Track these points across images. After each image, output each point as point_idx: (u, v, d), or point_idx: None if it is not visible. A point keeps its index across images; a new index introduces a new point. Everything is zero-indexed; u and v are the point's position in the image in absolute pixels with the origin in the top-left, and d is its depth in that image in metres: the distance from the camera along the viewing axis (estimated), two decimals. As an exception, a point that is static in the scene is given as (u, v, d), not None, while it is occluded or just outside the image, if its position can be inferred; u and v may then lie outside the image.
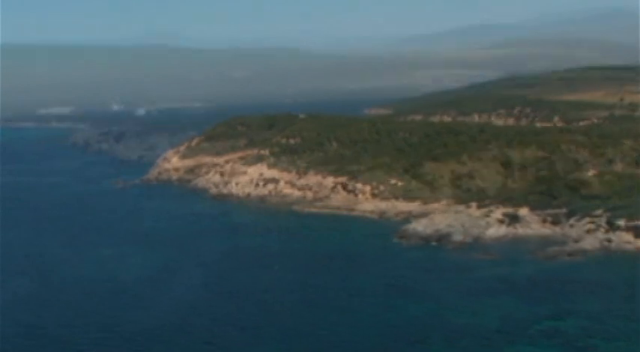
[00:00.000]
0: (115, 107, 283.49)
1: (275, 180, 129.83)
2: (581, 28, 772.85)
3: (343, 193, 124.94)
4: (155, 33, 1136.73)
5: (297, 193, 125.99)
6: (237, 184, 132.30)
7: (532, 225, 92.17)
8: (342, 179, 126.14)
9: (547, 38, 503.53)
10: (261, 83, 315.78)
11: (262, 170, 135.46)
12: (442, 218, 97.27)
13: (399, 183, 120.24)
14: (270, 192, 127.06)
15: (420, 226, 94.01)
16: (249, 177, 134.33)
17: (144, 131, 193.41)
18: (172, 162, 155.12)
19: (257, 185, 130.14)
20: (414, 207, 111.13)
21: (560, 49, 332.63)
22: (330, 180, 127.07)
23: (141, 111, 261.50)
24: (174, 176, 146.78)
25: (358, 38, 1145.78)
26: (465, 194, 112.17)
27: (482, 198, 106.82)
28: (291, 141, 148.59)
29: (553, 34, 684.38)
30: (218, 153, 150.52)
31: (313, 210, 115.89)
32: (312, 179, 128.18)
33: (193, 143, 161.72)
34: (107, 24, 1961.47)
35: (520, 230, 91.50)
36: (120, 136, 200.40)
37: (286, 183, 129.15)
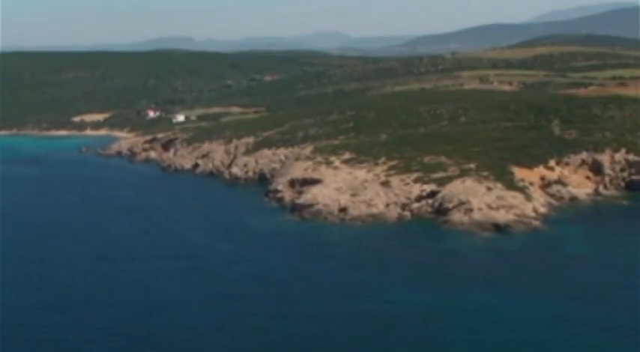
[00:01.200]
0: (151, 114, 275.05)
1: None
2: (600, 26, 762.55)
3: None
4: (164, 38, 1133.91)
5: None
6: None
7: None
8: (431, 186, 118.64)
9: (574, 35, 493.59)
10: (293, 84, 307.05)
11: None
12: None
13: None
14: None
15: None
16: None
17: (193, 138, 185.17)
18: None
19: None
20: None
21: (596, 46, 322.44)
22: (416, 188, 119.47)
23: (180, 117, 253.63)
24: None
25: (370, 39, 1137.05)
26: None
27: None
28: (355, 138, 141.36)
29: (573, 31, 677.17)
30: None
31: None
32: (401, 187, 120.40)
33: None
34: (112, 28, 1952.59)
35: None
36: (168, 144, 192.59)
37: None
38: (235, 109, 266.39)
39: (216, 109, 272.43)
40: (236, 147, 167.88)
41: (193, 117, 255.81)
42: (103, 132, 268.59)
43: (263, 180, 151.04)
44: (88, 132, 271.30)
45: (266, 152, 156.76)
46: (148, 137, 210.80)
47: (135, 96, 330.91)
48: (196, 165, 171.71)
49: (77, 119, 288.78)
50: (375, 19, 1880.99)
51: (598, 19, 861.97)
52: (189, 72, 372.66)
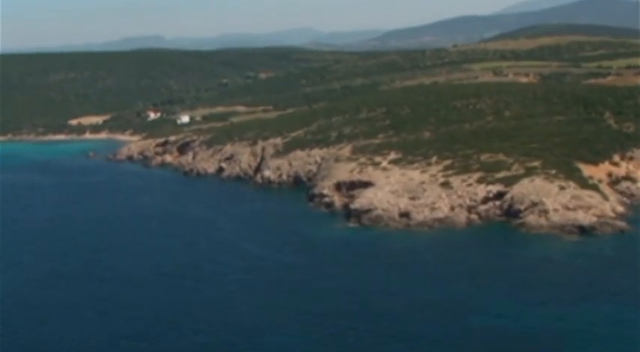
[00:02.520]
0: (152, 115, 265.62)
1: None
2: (572, 15, 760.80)
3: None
4: (133, 37, 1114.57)
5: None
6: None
7: None
8: (497, 187, 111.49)
9: (572, 25, 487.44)
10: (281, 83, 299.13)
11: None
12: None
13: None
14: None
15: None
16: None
17: (212, 140, 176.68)
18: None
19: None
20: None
21: (597, 35, 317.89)
22: (481, 189, 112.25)
23: (184, 118, 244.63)
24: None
25: (341, 34, 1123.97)
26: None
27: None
28: (401, 138, 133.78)
29: (547, 21, 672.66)
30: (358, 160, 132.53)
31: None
32: (463, 188, 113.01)
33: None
34: (80, 28, 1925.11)
35: None
36: (184, 147, 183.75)
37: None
38: (240, 108, 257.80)
39: (219, 109, 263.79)
40: (263, 149, 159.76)
41: (198, 118, 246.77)
42: (103, 135, 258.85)
43: (299, 183, 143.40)
44: (88, 135, 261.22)
45: (299, 153, 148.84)
46: (160, 140, 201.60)
47: (130, 97, 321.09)
48: (221, 169, 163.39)
49: (74, 122, 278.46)
50: (345, 14, 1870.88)
51: (570, 8, 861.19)
52: (182, 71, 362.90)
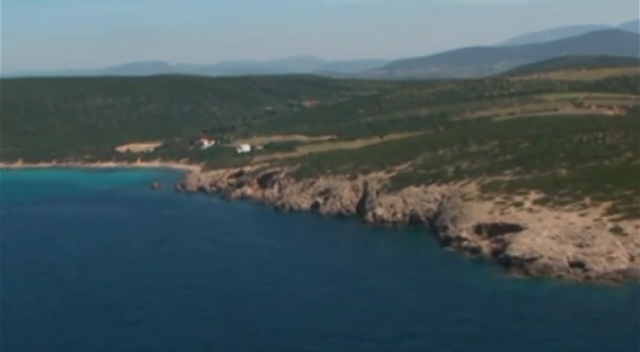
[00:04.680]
0: (206, 143, 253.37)
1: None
2: (580, 48, 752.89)
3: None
4: (137, 62, 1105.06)
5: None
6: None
7: None
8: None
9: (595, 57, 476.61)
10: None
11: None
12: None
13: None
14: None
15: None
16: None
17: (299, 172, 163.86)
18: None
19: None
20: None
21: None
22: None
23: (245, 147, 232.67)
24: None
25: (344, 63, 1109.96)
26: None
27: None
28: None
29: (556, 53, 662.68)
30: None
31: None
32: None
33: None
34: (83, 54, 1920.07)
35: None
36: (266, 179, 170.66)
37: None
38: (300, 137, 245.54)
39: (276, 137, 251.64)
40: (365, 184, 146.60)
41: (259, 147, 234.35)
42: (156, 163, 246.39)
43: (416, 222, 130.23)
44: (139, 163, 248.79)
45: (414, 190, 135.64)
46: (233, 170, 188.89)
47: (174, 123, 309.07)
48: (316, 205, 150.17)
49: (122, 149, 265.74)
50: (345, 44, 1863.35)
51: (578, 41, 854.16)
52: (223, 97, 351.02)
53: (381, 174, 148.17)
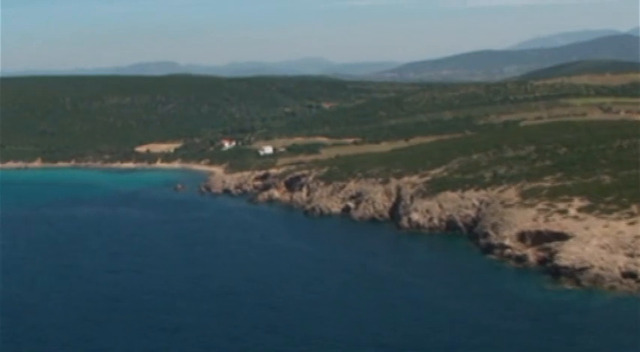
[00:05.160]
0: (226, 144, 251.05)
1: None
2: (591, 53, 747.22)
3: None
4: (145, 62, 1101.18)
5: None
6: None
7: None
8: None
9: (608, 61, 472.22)
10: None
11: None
12: None
13: None
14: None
15: None
16: None
17: (329, 175, 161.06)
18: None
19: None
20: None
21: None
22: None
23: (267, 149, 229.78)
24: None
25: (354, 65, 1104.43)
26: None
27: None
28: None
29: (569, 58, 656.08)
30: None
31: None
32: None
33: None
34: (92, 53, 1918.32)
35: None
36: (294, 181, 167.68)
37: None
38: (323, 139, 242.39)
39: (298, 139, 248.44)
40: (399, 188, 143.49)
41: (282, 149, 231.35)
42: (176, 164, 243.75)
43: (453, 228, 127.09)
44: (159, 164, 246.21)
45: (450, 195, 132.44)
46: (259, 173, 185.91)
47: (193, 123, 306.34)
48: (347, 209, 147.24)
49: (142, 149, 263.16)
50: (356, 46, 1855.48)
51: (588, 45, 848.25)
52: (241, 98, 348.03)
53: (415, 179, 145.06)
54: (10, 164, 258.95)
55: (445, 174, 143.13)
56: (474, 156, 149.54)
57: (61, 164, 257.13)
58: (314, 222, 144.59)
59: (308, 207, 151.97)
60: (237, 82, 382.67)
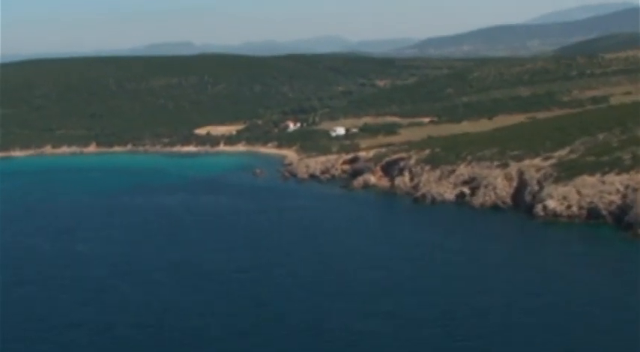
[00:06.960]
0: (291, 125, 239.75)
1: None
2: (612, 26, 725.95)
3: None
4: (161, 43, 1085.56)
5: None
6: None
7: None
8: None
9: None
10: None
11: None
12: None
13: None
14: None
15: None
16: None
17: (432, 159, 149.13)
18: None
19: None
20: None
21: None
22: None
23: (340, 130, 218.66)
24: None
25: (371, 43, 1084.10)
26: None
27: None
28: None
29: (588, 31, 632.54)
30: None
31: None
32: None
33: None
34: (107, 34, 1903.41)
35: None
36: (391, 166, 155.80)
37: None
38: (395, 119, 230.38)
39: (366, 119, 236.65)
40: (521, 172, 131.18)
41: (355, 130, 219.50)
42: (241, 147, 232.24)
43: (596, 217, 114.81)
44: (222, 147, 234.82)
45: (588, 180, 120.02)
46: (346, 156, 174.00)
47: (247, 104, 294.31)
48: (461, 195, 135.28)
49: (201, 132, 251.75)
50: (372, 23, 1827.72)
51: (609, 19, 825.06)
52: (292, 77, 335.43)
53: (538, 161, 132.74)
54: (64, 149, 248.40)
55: (573, 156, 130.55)
56: (600, 136, 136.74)
57: (117, 149, 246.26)
58: (428, 210, 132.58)
59: (416, 193, 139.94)
60: (285, 60, 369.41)
